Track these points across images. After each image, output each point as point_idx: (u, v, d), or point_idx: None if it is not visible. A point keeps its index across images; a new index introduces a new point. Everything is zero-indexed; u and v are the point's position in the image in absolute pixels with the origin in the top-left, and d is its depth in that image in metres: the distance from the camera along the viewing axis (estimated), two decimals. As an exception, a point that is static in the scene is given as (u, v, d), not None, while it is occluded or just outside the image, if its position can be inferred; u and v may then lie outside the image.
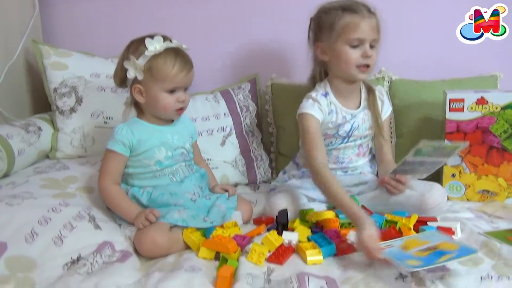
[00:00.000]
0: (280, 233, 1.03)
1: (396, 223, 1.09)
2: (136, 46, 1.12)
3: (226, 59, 1.71)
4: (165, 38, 1.12)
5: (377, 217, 1.13)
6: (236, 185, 1.51)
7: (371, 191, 1.30)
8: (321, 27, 1.23)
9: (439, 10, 1.65)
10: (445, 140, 1.33)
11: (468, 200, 1.36)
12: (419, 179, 1.22)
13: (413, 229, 1.08)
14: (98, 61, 1.59)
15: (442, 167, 1.38)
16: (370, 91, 1.32)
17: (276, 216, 1.10)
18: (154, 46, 1.09)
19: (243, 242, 1.02)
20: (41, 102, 1.62)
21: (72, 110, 1.48)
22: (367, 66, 1.19)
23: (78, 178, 1.24)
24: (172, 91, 1.13)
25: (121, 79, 1.17)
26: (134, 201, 1.14)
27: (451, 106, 1.33)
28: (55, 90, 1.49)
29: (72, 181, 1.21)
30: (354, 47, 1.17)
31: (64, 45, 1.68)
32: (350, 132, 1.28)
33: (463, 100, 1.32)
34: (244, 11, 1.73)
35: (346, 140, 1.29)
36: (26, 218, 0.98)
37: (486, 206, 1.28)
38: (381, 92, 1.35)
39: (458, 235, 1.07)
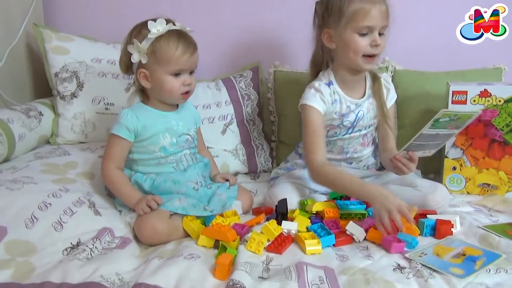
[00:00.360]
0: (279, 223, 1.04)
1: (395, 215, 1.09)
2: (139, 29, 1.12)
3: (228, 46, 1.69)
4: (168, 21, 1.12)
5: (377, 208, 1.13)
6: (236, 174, 1.51)
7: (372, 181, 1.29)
8: (329, 12, 1.18)
9: (445, 2, 1.64)
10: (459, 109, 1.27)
11: (468, 193, 1.36)
12: (423, 177, 1.25)
13: (413, 221, 1.08)
14: (100, 46, 1.58)
15: (442, 160, 1.38)
16: (375, 79, 1.30)
17: (276, 206, 1.10)
18: (157, 28, 1.09)
19: (242, 230, 1.03)
20: (42, 86, 1.62)
21: (73, 95, 1.47)
22: (374, 55, 1.16)
23: (79, 164, 1.24)
24: (177, 74, 1.12)
25: (126, 65, 1.16)
26: (136, 187, 1.14)
27: (454, 98, 1.32)
28: (56, 74, 1.49)
29: (73, 167, 1.21)
30: (363, 35, 1.15)
31: (66, 29, 1.66)
32: (355, 122, 1.27)
33: (466, 93, 1.31)
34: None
35: (351, 130, 1.27)
36: (26, 203, 0.99)
37: (486, 199, 1.28)
38: (387, 80, 1.33)
39: (458, 228, 1.08)
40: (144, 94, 1.20)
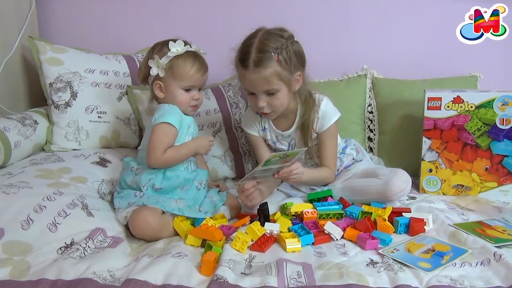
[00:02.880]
0: (262, 224, 1.10)
1: (371, 214, 1.16)
2: (161, 47, 1.26)
3: (217, 57, 1.76)
4: (186, 43, 1.26)
5: (354, 208, 1.20)
6: (224, 179, 1.57)
7: (338, 181, 1.37)
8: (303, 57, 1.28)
9: (439, 10, 1.72)
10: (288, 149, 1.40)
11: (444, 194, 1.43)
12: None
13: (388, 220, 1.15)
14: (93, 57, 1.65)
15: (420, 163, 1.46)
16: (304, 111, 1.33)
17: (258, 209, 1.16)
18: (176, 48, 1.23)
19: (228, 231, 1.09)
20: (37, 96, 1.68)
21: (67, 104, 1.53)
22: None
23: (72, 169, 1.29)
24: (188, 90, 1.26)
25: (144, 75, 1.29)
26: (147, 180, 1.19)
27: (429, 104, 1.40)
28: (50, 85, 1.55)
29: (66, 172, 1.27)
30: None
31: (60, 41, 1.74)
32: (290, 148, 1.39)
33: (440, 99, 1.39)
34: (239, 10, 1.79)
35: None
36: (22, 206, 1.04)
37: (460, 199, 1.36)
38: (317, 109, 1.33)
39: (430, 226, 1.14)
40: (159, 103, 1.31)
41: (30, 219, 1.02)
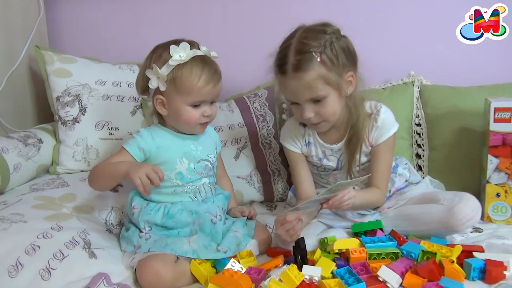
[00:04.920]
0: (299, 267, 0.89)
1: (435, 254, 0.93)
2: (160, 53, 1.02)
3: (240, 64, 1.58)
4: (192, 45, 1.01)
5: (412, 246, 0.97)
6: (251, 203, 1.38)
7: (388, 203, 1.16)
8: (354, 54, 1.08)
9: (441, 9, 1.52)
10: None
11: (515, 223, 1.19)
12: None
13: (456, 262, 0.93)
14: (104, 67, 1.49)
15: (482, 186, 1.23)
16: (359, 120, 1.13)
17: (293, 247, 0.95)
18: (179, 54, 0.98)
19: (258, 276, 0.89)
20: (44, 111, 1.53)
21: (75, 120, 1.37)
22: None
23: (77, 196, 1.13)
24: (197, 105, 1.02)
25: (143, 88, 1.06)
26: (145, 221, 1.00)
27: (496, 115, 1.17)
28: (57, 98, 1.40)
29: (70, 200, 1.11)
30: None
31: (71, 50, 1.59)
32: (339, 166, 1.18)
33: (510, 110, 1.16)
34: (261, 12, 1.61)
35: (338, 171, 1.18)
36: (12, 246, 0.88)
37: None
38: (375, 118, 1.14)
39: (511, 271, 0.91)
40: (161, 117, 1.10)
41: (20, 263, 0.85)
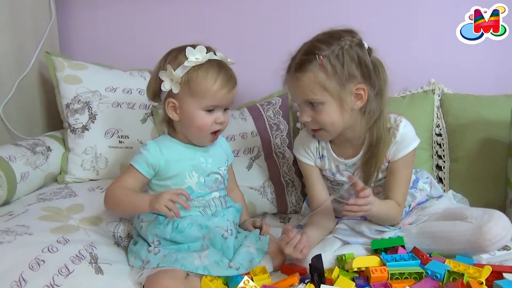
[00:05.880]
0: (317, 287, 0.84)
1: (463, 275, 0.87)
2: (175, 55, 0.99)
3: (253, 71, 1.54)
4: (209, 49, 1.00)
5: (436, 266, 0.91)
6: (264, 214, 1.33)
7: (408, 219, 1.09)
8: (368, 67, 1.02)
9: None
10: None
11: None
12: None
13: (485, 284, 0.86)
14: (115, 73, 1.46)
15: (509, 200, 1.16)
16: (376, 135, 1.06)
17: (310, 264, 0.90)
18: (196, 56, 0.96)
19: (272, 296, 0.84)
20: (54, 119, 1.51)
21: (85, 128, 1.34)
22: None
23: (85, 207, 1.09)
24: (210, 110, 0.98)
25: (154, 92, 1.03)
26: (153, 235, 0.97)
27: (524, 126, 1.11)
28: (67, 105, 1.37)
29: (77, 211, 1.07)
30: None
31: (82, 57, 1.56)
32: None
33: (539, 121, 1.10)
34: (275, 19, 1.57)
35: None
36: (16, 261, 0.83)
37: None
38: (394, 133, 1.06)
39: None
40: (171, 126, 1.06)
41: (23, 279, 0.80)
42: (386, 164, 1.08)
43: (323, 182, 1.15)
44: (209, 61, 0.97)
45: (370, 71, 1.01)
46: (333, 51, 0.98)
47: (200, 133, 1.00)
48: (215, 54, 1.00)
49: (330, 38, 1.00)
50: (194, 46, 0.97)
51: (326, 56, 0.97)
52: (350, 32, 1.01)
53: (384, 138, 1.05)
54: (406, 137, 1.06)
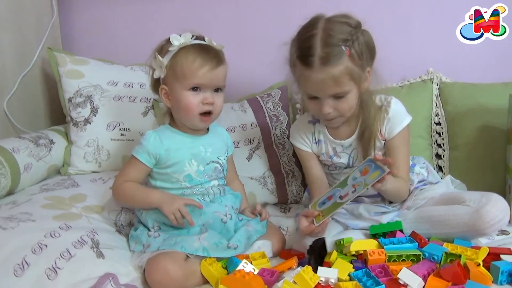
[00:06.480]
0: (315, 269, 0.85)
1: (460, 257, 0.88)
2: (163, 44, 1.03)
3: (253, 63, 1.55)
4: (198, 37, 1.02)
5: (434, 248, 0.92)
6: (264, 205, 1.34)
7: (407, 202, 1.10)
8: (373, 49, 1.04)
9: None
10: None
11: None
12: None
13: (483, 265, 0.87)
14: (116, 68, 1.48)
15: (508, 186, 1.16)
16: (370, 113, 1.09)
17: (310, 247, 0.91)
18: (180, 41, 0.99)
19: (271, 278, 0.85)
20: (57, 113, 1.53)
21: (87, 121, 1.36)
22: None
23: (87, 196, 1.11)
24: (195, 89, 1.00)
25: (152, 83, 1.07)
26: (153, 220, 0.99)
27: (523, 113, 1.11)
28: (69, 100, 1.39)
29: (80, 200, 1.09)
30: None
31: (84, 52, 1.59)
32: (351, 163, 1.13)
33: (536, 106, 1.10)
34: (275, 12, 1.58)
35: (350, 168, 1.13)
36: (19, 245, 0.86)
37: None
38: (386, 109, 1.10)
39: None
40: (172, 117, 1.09)
41: (26, 262, 0.82)
42: (383, 142, 1.10)
43: (321, 168, 1.17)
44: (193, 44, 0.99)
45: (374, 53, 1.04)
46: (352, 40, 0.98)
47: (188, 114, 1.01)
48: (204, 41, 1.02)
49: (342, 25, 0.99)
50: (181, 34, 1.00)
51: (351, 46, 0.97)
52: (351, 17, 1.02)
53: (377, 115, 1.07)
54: (399, 113, 1.09)
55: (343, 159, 1.13)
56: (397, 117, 1.08)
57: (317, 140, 1.15)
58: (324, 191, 1.12)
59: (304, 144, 1.16)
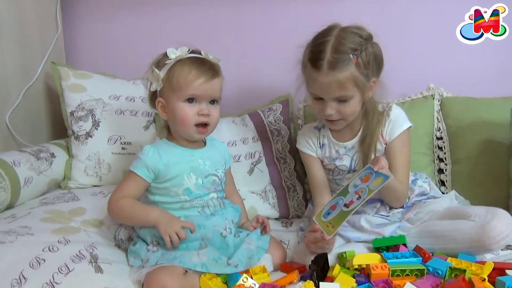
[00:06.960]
0: (316, 284, 0.83)
1: (464, 271, 0.86)
2: (160, 58, 1.05)
3: (254, 77, 1.56)
4: (194, 51, 1.03)
5: (438, 263, 0.91)
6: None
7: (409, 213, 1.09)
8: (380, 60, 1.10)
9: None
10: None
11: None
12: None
13: (488, 280, 0.85)
14: (119, 82, 1.49)
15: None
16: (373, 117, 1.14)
17: (312, 261, 0.89)
18: (176, 54, 1.01)
19: (271, 293, 0.83)
20: (59, 127, 1.53)
21: (88, 135, 1.36)
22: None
23: (87, 210, 1.10)
24: (190, 101, 1.01)
25: (150, 96, 1.08)
26: (152, 236, 0.98)
27: (524, 126, 1.11)
28: (71, 113, 1.39)
29: (79, 214, 1.08)
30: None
31: (88, 67, 1.60)
32: (353, 166, 1.17)
33: (538, 120, 1.10)
34: (277, 26, 1.59)
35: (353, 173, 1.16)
36: (17, 259, 0.85)
37: None
38: (388, 112, 1.15)
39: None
40: (170, 131, 1.09)
41: (24, 276, 0.81)
42: (384, 145, 1.13)
43: (324, 174, 1.21)
44: (189, 57, 1.01)
45: (382, 66, 1.10)
46: (361, 50, 1.03)
47: (184, 125, 1.02)
48: (200, 55, 1.03)
49: (354, 35, 1.05)
50: (177, 48, 1.02)
51: (358, 55, 1.02)
52: (364, 29, 1.08)
53: (379, 119, 1.13)
54: (400, 116, 1.15)
55: (346, 162, 1.16)
56: (398, 120, 1.14)
57: (321, 144, 1.20)
58: (326, 196, 1.16)
59: (309, 148, 1.21)
